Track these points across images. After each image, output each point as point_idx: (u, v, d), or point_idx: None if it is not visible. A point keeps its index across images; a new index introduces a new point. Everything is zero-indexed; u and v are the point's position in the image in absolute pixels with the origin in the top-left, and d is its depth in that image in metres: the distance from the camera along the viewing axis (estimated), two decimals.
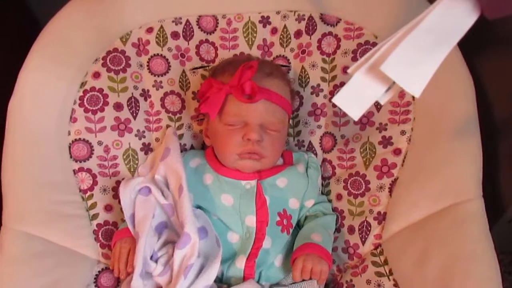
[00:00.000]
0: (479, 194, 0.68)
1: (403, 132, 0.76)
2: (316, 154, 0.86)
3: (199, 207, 0.75)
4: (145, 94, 0.85)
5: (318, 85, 0.85)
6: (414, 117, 0.75)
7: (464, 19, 0.37)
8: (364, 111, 0.41)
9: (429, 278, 0.65)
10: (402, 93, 0.77)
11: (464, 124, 0.71)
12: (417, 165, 0.74)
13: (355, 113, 0.40)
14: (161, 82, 0.86)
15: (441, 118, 0.73)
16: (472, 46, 0.80)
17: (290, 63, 0.87)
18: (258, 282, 0.71)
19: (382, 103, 0.42)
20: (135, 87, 0.84)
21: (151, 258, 0.68)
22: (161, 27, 0.85)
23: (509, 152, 0.86)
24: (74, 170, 0.78)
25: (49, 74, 0.76)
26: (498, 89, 0.85)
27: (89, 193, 0.78)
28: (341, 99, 0.40)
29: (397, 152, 0.76)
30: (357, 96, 0.40)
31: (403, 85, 0.37)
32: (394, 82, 0.39)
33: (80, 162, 0.78)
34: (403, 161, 0.75)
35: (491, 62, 0.86)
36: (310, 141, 0.87)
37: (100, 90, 0.80)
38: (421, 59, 0.37)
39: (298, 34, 0.85)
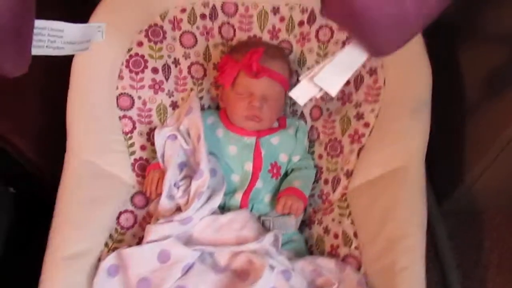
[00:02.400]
0: (422, 162, 0.86)
1: (372, 110, 0.92)
2: (306, 122, 1.06)
3: (211, 153, 0.96)
4: (176, 62, 1.02)
5: (313, 66, 1.04)
6: (383, 98, 0.90)
7: (359, 56, 0.59)
8: (341, 86, 0.63)
9: (374, 216, 0.82)
10: (375, 79, 0.93)
11: (419, 106, 0.88)
12: (380, 136, 0.89)
13: (334, 89, 0.62)
14: (189, 53, 1.02)
15: (402, 101, 0.89)
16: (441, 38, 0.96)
17: (292, 46, 1.05)
18: (250, 211, 0.94)
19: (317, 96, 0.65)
20: (169, 56, 1.00)
21: (175, 185, 0.90)
22: (192, 8, 1.00)
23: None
24: (119, 116, 0.94)
25: (105, 40, 0.90)
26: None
27: (129, 135, 0.95)
28: (322, 78, 0.61)
29: (366, 125, 0.91)
30: (336, 74, 0.61)
31: (325, 87, 0.59)
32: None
33: (124, 110, 0.95)
34: (370, 132, 0.90)
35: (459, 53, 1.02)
36: (302, 111, 1.06)
37: (142, 56, 0.96)
38: (337, 74, 0.59)
39: (301, 23, 1.03)
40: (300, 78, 0.65)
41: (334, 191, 0.94)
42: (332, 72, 0.60)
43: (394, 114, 0.89)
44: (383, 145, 0.89)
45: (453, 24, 1.02)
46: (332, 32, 1.01)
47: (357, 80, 0.98)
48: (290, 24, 1.04)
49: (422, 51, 0.89)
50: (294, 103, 1.09)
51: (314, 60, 1.05)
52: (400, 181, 0.85)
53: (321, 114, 1.05)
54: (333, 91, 0.61)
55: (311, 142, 1.05)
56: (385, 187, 0.86)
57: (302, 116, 1.08)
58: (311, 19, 1.02)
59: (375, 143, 0.90)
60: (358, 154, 0.92)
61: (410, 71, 0.90)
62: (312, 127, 1.05)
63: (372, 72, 0.95)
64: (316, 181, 0.99)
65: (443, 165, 1.15)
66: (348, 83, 0.98)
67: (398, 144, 0.86)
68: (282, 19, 1.04)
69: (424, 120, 0.87)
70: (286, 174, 1.00)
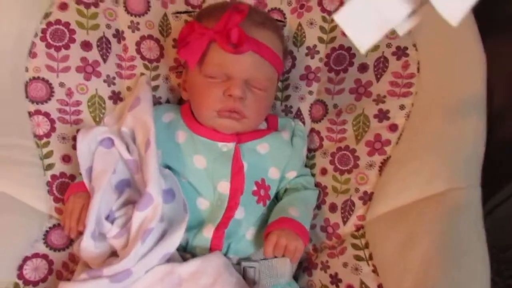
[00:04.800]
0: (476, 183, 0.63)
1: (402, 107, 0.69)
2: (303, 123, 0.80)
3: (167, 167, 0.68)
4: (119, 36, 0.77)
5: (315, 46, 0.78)
6: (416, 91, 0.69)
7: None
8: (376, 39, 0.32)
9: (410, 267, 0.61)
10: (406, 63, 0.70)
11: (470, 106, 0.66)
12: (412, 145, 0.68)
13: (363, 41, 0.31)
14: (138, 23, 0.77)
15: (446, 96, 0.67)
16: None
17: (285, 18, 0.80)
18: (225, 254, 0.66)
19: (400, 32, 0.33)
20: (108, 26, 0.75)
21: (107, 218, 0.61)
22: None
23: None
24: (29, 112, 0.71)
25: None
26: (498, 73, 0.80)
27: (45, 139, 0.72)
28: (346, 16, 0.30)
29: (393, 128, 0.70)
30: (368, 16, 0.31)
31: (438, 6, 0.28)
32: (422, 3, 0.30)
33: (37, 103, 0.71)
34: (399, 138, 0.70)
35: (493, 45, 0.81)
36: (299, 108, 0.81)
37: (67, 24, 0.72)
38: None
39: None
40: None
41: (345, 221, 0.72)
42: None
43: (433, 115, 0.68)
44: (419, 158, 0.67)
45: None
46: None
47: (378, 64, 0.73)
48: None
49: (475, 35, 0.67)
50: (287, 97, 0.82)
51: (316, 37, 0.79)
52: (448, 212, 0.62)
53: (325, 113, 0.78)
54: (455, 14, 0.29)
55: (311, 152, 0.80)
56: (425, 219, 0.63)
57: (298, 114, 0.81)
58: None
59: (406, 155, 0.69)
60: (381, 170, 0.71)
61: (457, 56, 0.67)
62: (312, 130, 0.80)
63: (401, 53, 0.71)
64: (317, 206, 0.76)
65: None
66: (364, 68, 0.74)
67: (442, 157, 0.65)
68: None
69: (478, 125, 0.65)
70: (276, 198, 0.76)
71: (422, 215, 0.64)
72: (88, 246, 0.58)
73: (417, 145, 0.68)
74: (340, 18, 0.31)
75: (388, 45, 0.71)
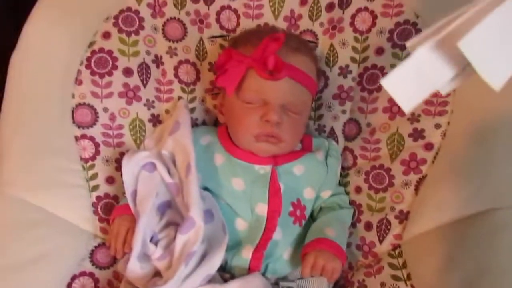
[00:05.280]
0: None
1: (437, 126, 0.68)
2: (337, 141, 0.80)
3: (206, 188, 0.69)
4: (158, 61, 0.79)
5: (347, 66, 0.77)
6: (452, 109, 0.68)
7: None
8: (420, 101, 0.33)
9: (452, 283, 0.59)
10: None
11: (508, 125, 0.64)
12: (450, 164, 0.67)
13: (408, 103, 0.33)
14: (175, 49, 0.79)
15: (483, 114, 0.65)
16: None
17: (318, 39, 0.79)
18: (263, 274, 0.66)
19: (443, 93, 0.34)
20: (148, 52, 0.77)
21: (151, 239, 0.63)
22: None
23: None
24: (76, 137, 0.73)
25: (56, 29, 0.71)
26: None
27: (90, 162, 0.73)
28: (394, 81, 0.32)
29: (428, 147, 0.69)
30: (414, 80, 0.32)
31: (481, 71, 0.29)
32: (465, 67, 0.31)
33: (83, 128, 0.73)
34: (434, 157, 0.68)
35: None
36: (332, 127, 0.80)
37: (110, 52, 0.74)
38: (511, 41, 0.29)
39: (330, 7, 0.77)
40: (408, 45, 0.34)
41: (381, 240, 0.71)
42: (504, 25, 0.29)
43: (471, 133, 0.66)
44: (457, 177, 0.65)
45: None
46: (375, 18, 0.74)
47: None
48: (315, 9, 0.78)
49: None
50: (320, 116, 0.82)
51: (349, 57, 0.78)
52: (491, 232, 0.61)
53: (359, 131, 0.78)
54: (498, 79, 0.30)
55: (345, 170, 0.79)
56: (465, 239, 0.62)
57: (331, 133, 0.81)
58: (345, 0, 0.76)
59: (443, 174, 0.67)
60: (417, 189, 0.69)
61: None
62: (345, 148, 0.80)
63: None
64: (352, 224, 0.75)
65: None
66: None
67: (483, 177, 0.63)
68: (303, 2, 0.79)
69: None
70: (311, 217, 0.75)
71: (461, 236, 0.63)
72: (134, 268, 0.60)
73: (455, 164, 0.66)
74: (388, 83, 0.32)
75: None
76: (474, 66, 0.29)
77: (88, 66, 0.73)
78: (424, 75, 0.32)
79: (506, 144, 0.63)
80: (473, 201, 0.63)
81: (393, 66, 0.73)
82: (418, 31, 0.70)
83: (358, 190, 0.76)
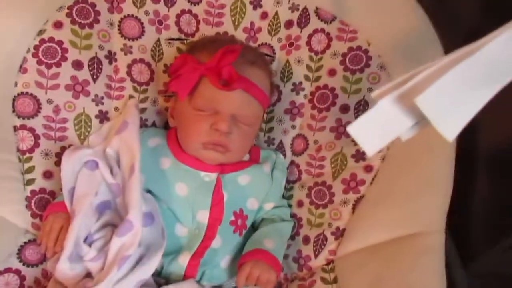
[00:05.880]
0: (442, 228, 0.66)
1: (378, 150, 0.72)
2: (285, 155, 0.81)
3: (149, 191, 0.68)
4: (111, 57, 0.77)
5: (300, 83, 0.79)
6: None
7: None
8: (382, 147, 0.36)
9: None
10: None
11: (441, 155, 0.68)
12: (386, 187, 0.70)
13: (371, 148, 0.35)
14: (131, 47, 0.77)
15: (419, 143, 0.68)
16: None
17: (275, 53, 0.81)
18: (199, 281, 0.66)
19: (403, 139, 0.37)
20: (101, 47, 0.75)
21: (85, 240, 0.61)
22: None
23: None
24: (14, 127, 0.69)
25: (3, 12, 0.67)
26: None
27: (28, 154, 0.70)
28: (358, 128, 0.34)
29: (368, 169, 0.72)
30: (377, 128, 0.34)
31: (437, 125, 0.32)
32: (424, 118, 0.34)
33: (24, 119, 0.70)
34: (373, 179, 0.72)
35: None
36: (281, 140, 0.81)
37: (60, 43, 0.71)
38: (463, 99, 0.32)
39: (289, 24, 0.79)
40: (373, 95, 0.37)
41: (316, 255, 0.73)
42: (459, 83, 0.32)
43: (407, 160, 0.70)
44: (392, 200, 0.69)
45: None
46: (330, 40, 0.77)
47: (358, 106, 0.76)
48: (275, 24, 0.80)
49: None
50: (271, 129, 0.83)
51: (302, 75, 0.80)
52: (416, 254, 0.64)
53: (306, 147, 0.79)
54: (451, 131, 0.33)
55: (289, 183, 0.81)
56: (393, 260, 0.65)
57: (280, 147, 0.82)
58: (304, 20, 0.78)
59: (379, 196, 0.71)
60: (354, 208, 0.72)
61: None
62: (292, 163, 0.81)
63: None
64: (292, 237, 0.77)
65: (472, 222, 0.93)
66: (346, 108, 0.76)
67: (415, 202, 0.67)
68: (264, 16, 0.80)
69: (447, 173, 0.67)
70: (252, 227, 0.76)
71: (390, 256, 0.66)
72: (64, 268, 0.57)
73: (390, 187, 0.69)
74: (353, 129, 0.34)
75: (369, 89, 0.74)
76: (429, 120, 0.31)
77: (35, 55, 0.70)
78: (385, 124, 0.34)
79: (437, 174, 0.67)
80: (404, 224, 0.66)
81: (343, 88, 0.76)
82: (369, 58, 0.74)
83: (300, 204, 0.77)
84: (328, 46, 0.77)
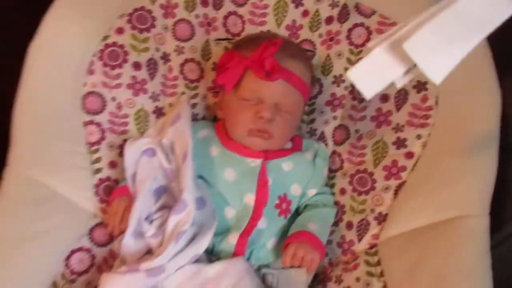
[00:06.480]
0: (485, 212, 0.66)
1: (419, 136, 0.73)
2: (327, 145, 0.84)
3: (201, 177, 0.74)
4: (166, 58, 0.84)
5: (341, 75, 0.83)
6: (434, 123, 0.72)
7: (502, 8, 0.34)
8: (378, 90, 0.39)
9: (418, 282, 0.63)
10: (425, 96, 0.74)
11: (483, 140, 0.69)
12: (427, 172, 0.71)
13: (368, 92, 0.39)
14: (183, 47, 0.84)
15: (461, 129, 0.70)
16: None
17: (315, 48, 0.85)
18: (247, 260, 0.71)
19: (398, 86, 0.40)
20: (157, 49, 0.82)
21: (146, 219, 0.67)
22: None
23: None
24: (84, 122, 0.76)
25: (73, 22, 0.75)
26: None
27: (95, 146, 0.77)
28: (356, 74, 0.38)
29: (409, 155, 0.73)
30: (373, 73, 0.38)
31: (424, 68, 0.35)
32: (415, 65, 0.37)
33: (92, 115, 0.77)
34: (414, 165, 0.73)
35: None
36: (323, 131, 0.85)
37: (121, 46, 0.78)
38: (447, 44, 0.35)
39: (329, 20, 0.83)
40: (369, 45, 0.41)
41: (360, 239, 0.75)
42: (440, 32, 0.35)
43: (449, 146, 0.71)
44: (432, 185, 0.70)
45: None
46: (370, 33, 0.79)
47: (399, 95, 0.76)
48: (316, 20, 0.84)
49: (490, 68, 0.70)
50: (312, 120, 0.87)
51: (343, 68, 0.83)
52: (457, 238, 0.65)
53: (347, 137, 0.82)
54: (438, 75, 0.36)
55: (332, 172, 0.84)
56: (434, 243, 0.67)
57: (322, 137, 0.86)
58: (343, 15, 0.81)
59: (420, 181, 0.72)
60: (396, 193, 0.74)
61: (474, 92, 0.70)
62: (334, 152, 0.84)
63: (421, 87, 0.75)
64: (335, 223, 0.79)
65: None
66: (386, 98, 0.77)
67: (455, 186, 0.68)
68: (305, 13, 0.84)
69: (489, 158, 0.68)
70: (297, 212, 0.80)
71: (432, 239, 0.67)
72: (128, 243, 0.64)
73: (432, 173, 0.70)
74: (352, 74, 0.38)
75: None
76: (417, 64, 0.35)
77: (100, 58, 0.76)
78: (381, 70, 0.38)
79: (476, 159, 0.67)
80: (445, 208, 0.67)
81: None
82: None
83: (343, 191, 0.80)
84: (368, 39, 0.79)
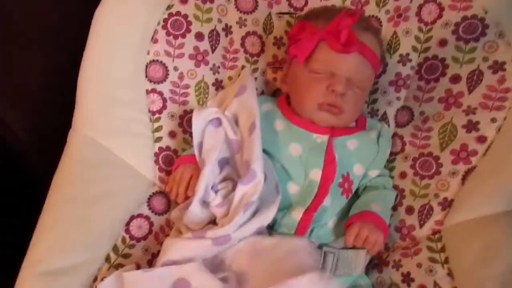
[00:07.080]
0: None
1: (493, 120, 0.70)
2: (388, 126, 0.81)
3: (264, 151, 0.73)
4: (227, 30, 0.83)
5: (408, 54, 0.80)
6: (510, 106, 0.69)
7: None
8: None
9: (492, 274, 0.61)
10: (502, 78, 0.70)
11: None
12: (501, 158, 0.68)
13: None
14: (245, 20, 0.83)
15: None
16: None
17: (381, 25, 0.82)
18: (308, 238, 0.69)
19: None
20: (219, 20, 0.81)
21: (211, 188, 0.67)
22: None
23: None
24: (146, 90, 0.76)
25: None
26: None
27: (157, 115, 0.77)
28: None
29: (481, 139, 0.70)
30: None
31: None
32: None
33: (154, 83, 0.77)
34: (486, 150, 0.70)
35: None
36: (385, 112, 0.82)
37: (185, 16, 0.78)
38: None
39: None
40: None
41: (422, 224, 0.73)
42: None
43: None
44: (505, 172, 0.67)
45: None
46: (442, 10, 0.76)
47: (472, 76, 0.73)
48: None
49: None
50: (375, 100, 0.85)
51: (410, 46, 0.80)
52: None
53: (411, 119, 0.80)
54: None
55: (392, 155, 0.81)
56: (505, 232, 0.64)
57: (384, 118, 0.83)
58: None
59: (492, 167, 0.69)
60: (464, 179, 0.71)
61: None
62: (395, 134, 0.81)
63: (497, 67, 0.71)
64: (393, 207, 0.77)
65: None
66: (457, 79, 0.74)
67: None
68: None
69: None
70: (356, 193, 0.77)
71: (502, 227, 0.64)
72: (195, 210, 0.64)
73: (505, 159, 0.68)
74: None
75: (485, 59, 0.72)
76: None
77: (164, 27, 0.77)
78: None
79: None
80: None
81: (454, 58, 0.75)
82: (485, 26, 0.72)
83: (403, 175, 0.77)
84: (440, 16, 0.76)
